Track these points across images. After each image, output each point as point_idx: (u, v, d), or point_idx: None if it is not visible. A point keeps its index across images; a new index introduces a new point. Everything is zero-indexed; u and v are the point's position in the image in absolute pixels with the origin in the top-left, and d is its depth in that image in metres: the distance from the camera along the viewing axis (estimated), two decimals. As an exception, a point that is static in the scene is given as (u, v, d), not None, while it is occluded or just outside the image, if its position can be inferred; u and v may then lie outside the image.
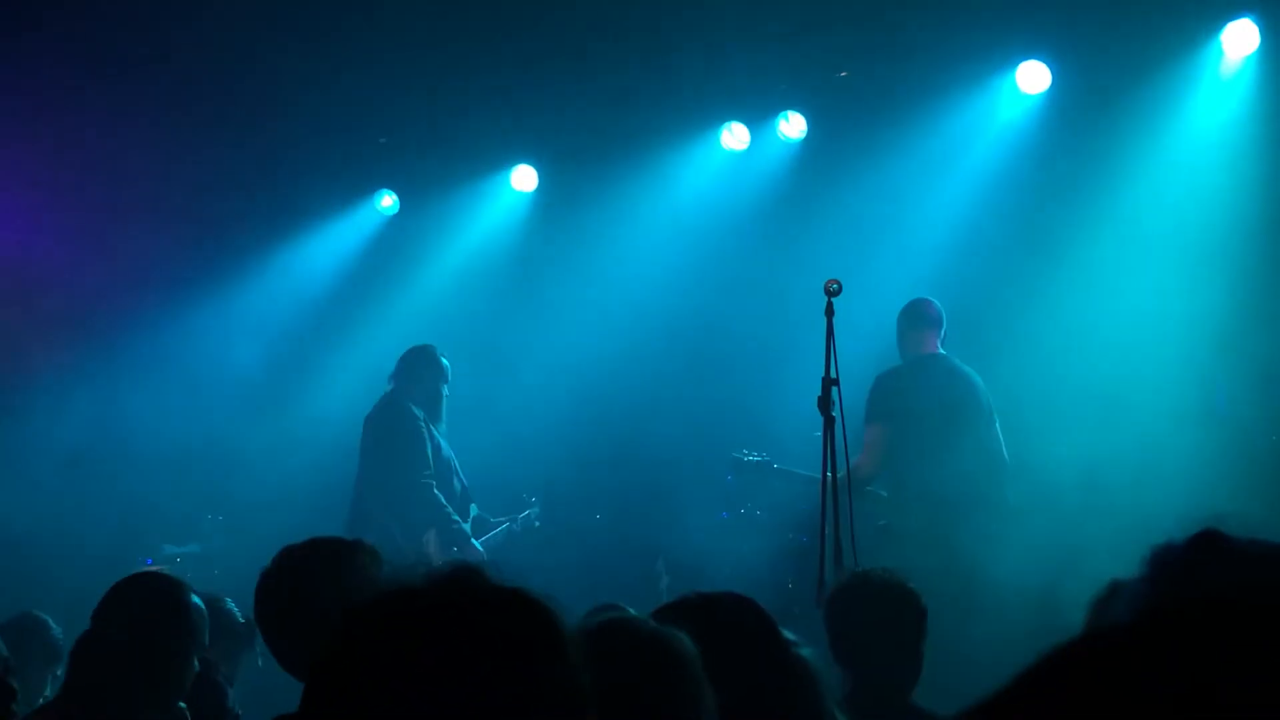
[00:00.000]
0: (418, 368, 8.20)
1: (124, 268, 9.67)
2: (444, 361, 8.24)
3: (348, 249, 10.27)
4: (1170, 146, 7.98)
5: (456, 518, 8.09)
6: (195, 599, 3.98)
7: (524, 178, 9.90)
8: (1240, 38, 7.76)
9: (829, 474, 5.86)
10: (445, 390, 8.24)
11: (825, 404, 5.91)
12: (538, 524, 8.80)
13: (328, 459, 9.01)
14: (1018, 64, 8.33)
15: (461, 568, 1.53)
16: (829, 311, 5.93)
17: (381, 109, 9.23)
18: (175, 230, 9.81)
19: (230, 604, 5.26)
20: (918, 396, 7.19)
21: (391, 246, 10.21)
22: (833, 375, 5.93)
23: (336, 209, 10.17)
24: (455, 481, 8.25)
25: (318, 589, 3.34)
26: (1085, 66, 8.12)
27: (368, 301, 10.11)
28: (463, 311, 9.74)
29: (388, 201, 10.20)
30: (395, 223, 10.26)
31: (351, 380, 9.61)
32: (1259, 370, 7.58)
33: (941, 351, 7.43)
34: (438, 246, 10.14)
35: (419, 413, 8.07)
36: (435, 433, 8.14)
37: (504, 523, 8.64)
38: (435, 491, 8.00)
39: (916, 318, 7.47)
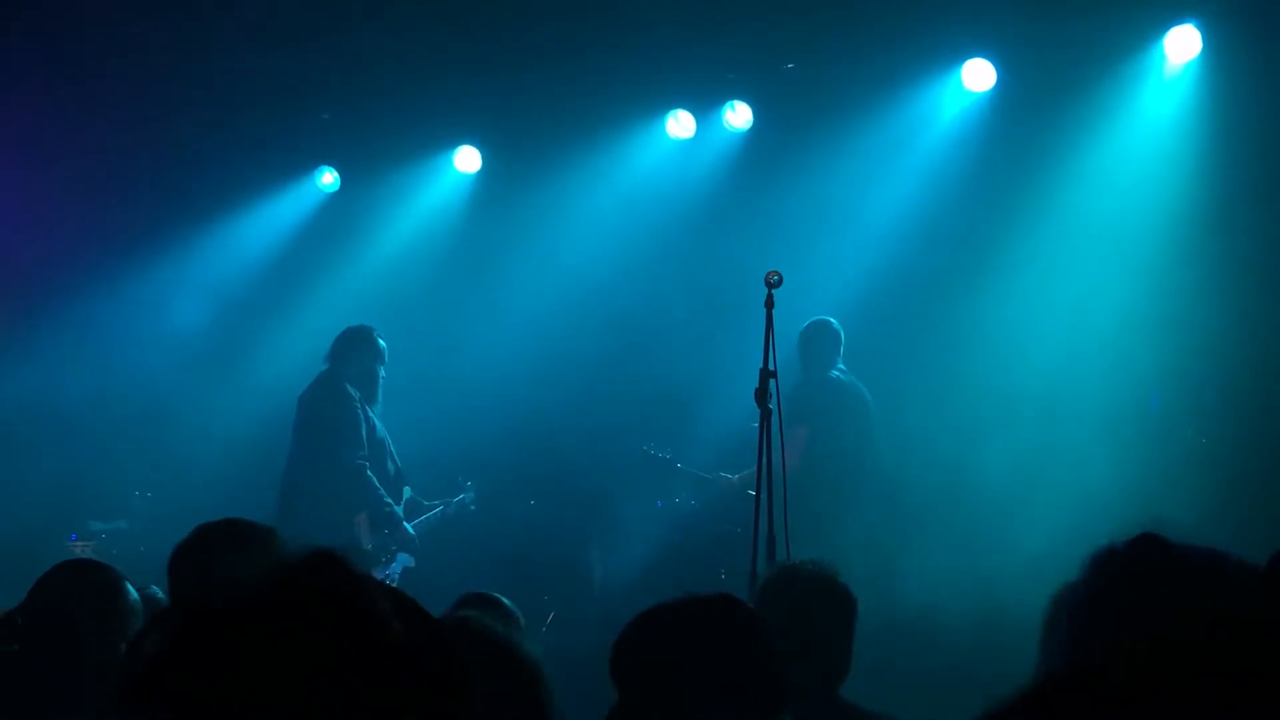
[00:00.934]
0: (354, 348, 8.12)
1: (58, 242, 9.54)
2: (380, 343, 8.17)
3: (287, 225, 10.14)
4: (1112, 148, 8.05)
5: (389, 500, 8.03)
6: (131, 589, 3.89)
7: (468, 159, 9.83)
8: (1183, 43, 7.83)
9: (765, 465, 5.86)
10: (381, 371, 8.17)
11: (762, 396, 5.91)
12: (472, 508, 8.76)
13: (261, 437, 8.92)
14: (964, 61, 8.37)
15: (316, 559, 1.49)
16: (769, 303, 5.93)
17: (325, 85, 9.12)
18: (111, 203, 9.68)
19: (159, 594, 5.16)
20: (833, 405, 7.79)
21: (331, 224, 10.10)
22: (771, 368, 5.92)
23: (277, 184, 10.04)
24: (389, 463, 8.19)
25: (227, 570, 3.29)
26: (1030, 66, 8.17)
27: (306, 279, 10.00)
28: (402, 292, 9.67)
29: (328, 179, 10.09)
30: (336, 200, 10.15)
31: (287, 358, 9.51)
32: (1194, 370, 7.68)
33: (842, 367, 7.98)
34: (378, 225, 10.05)
35: (354, 393, 8.00)
36: (370, 413, 8.07)
37: (438, 506, 8.58)
38: (368, 473, 7.93)
39: (824, 337, 7.93)
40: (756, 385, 5.93)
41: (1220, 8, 7.61)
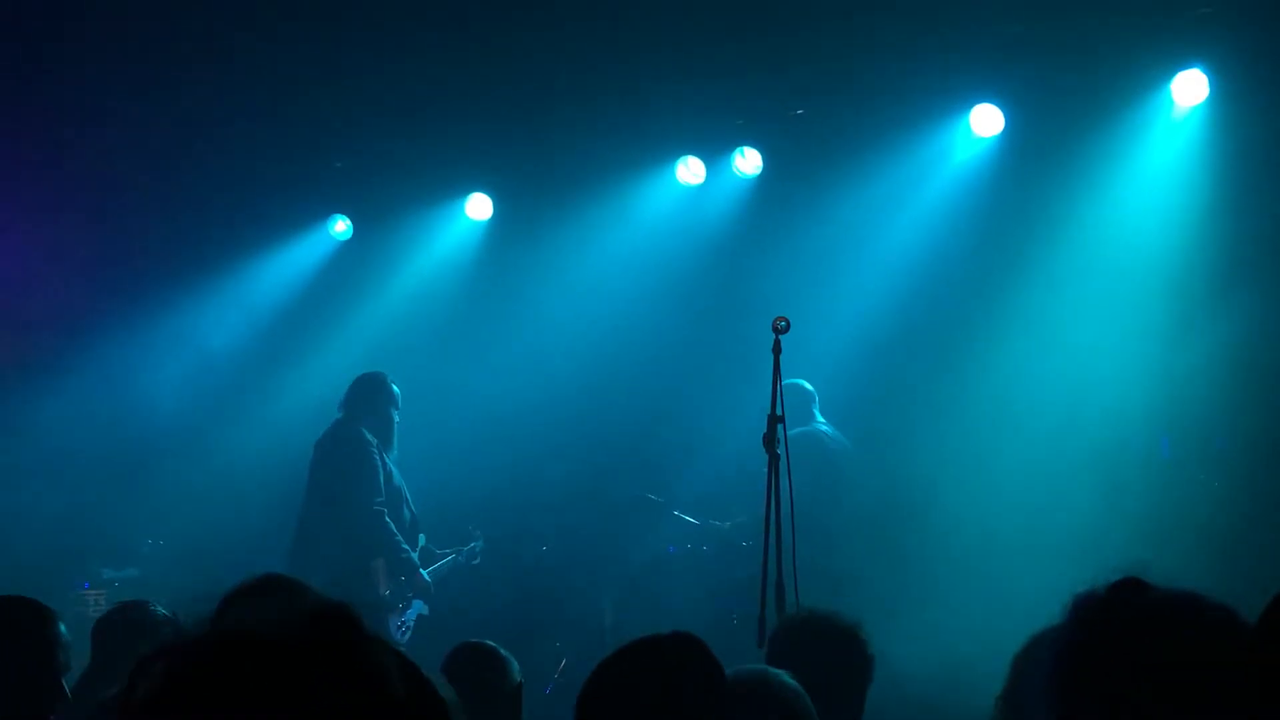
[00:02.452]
0: (370, 394, 8.12)
1: (73, 290, 9.59)
2: (395, 388, 8.18)
3: (300, 272, 10.20)
4: (1120, 192, 8.06)
5: (406, 546, 8.01)
6: (62, 629, 3.92)
7: (479, 206, 9.88)
8: (1190, 87, 7.85)
9: (773, 511, 5.84)
10: (396, 417, 8.17)
11: (770, 441, 5.90)
12: (476, 561, 8.75)
13: (273, 484, 8.93)
14: (971, 107, 8.39)
15: (330, 609, 1.50)
16: (776, 349, 5.93)
17: (337, 133, 9.20)
18: (124, 251, 9.73)
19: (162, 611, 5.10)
20: (820, 456, 7.99)
21: (344, 271, 10.15)
22: (779, 413, 5.92)
23: (290, 232, 10.11)
24: (405, 510, 8.17)
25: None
26: (1038, 111, 8.19)
27: (318, 326, 10.04)
28: (414, 338, 9.70)
29: (341, 226, 10.15)
30: (349, 248, 10.21)
31: (300, 405, 9.53)
32: (1204, 413, 7.66)
33: (821, 418, 8.28)
34: (390, 273, 10.10)
35: (372, 439, 8.00)
36: (388, 460, 8.06)
37: (449, 554, 8.56)
38: (386, 519, 7.92)
39: (797, 396, 8.00)
40: (765, 431, 5.94)
41: (1226, 52, 7.63)
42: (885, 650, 4.04)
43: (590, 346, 9.18)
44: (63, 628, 3.91)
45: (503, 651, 3.97)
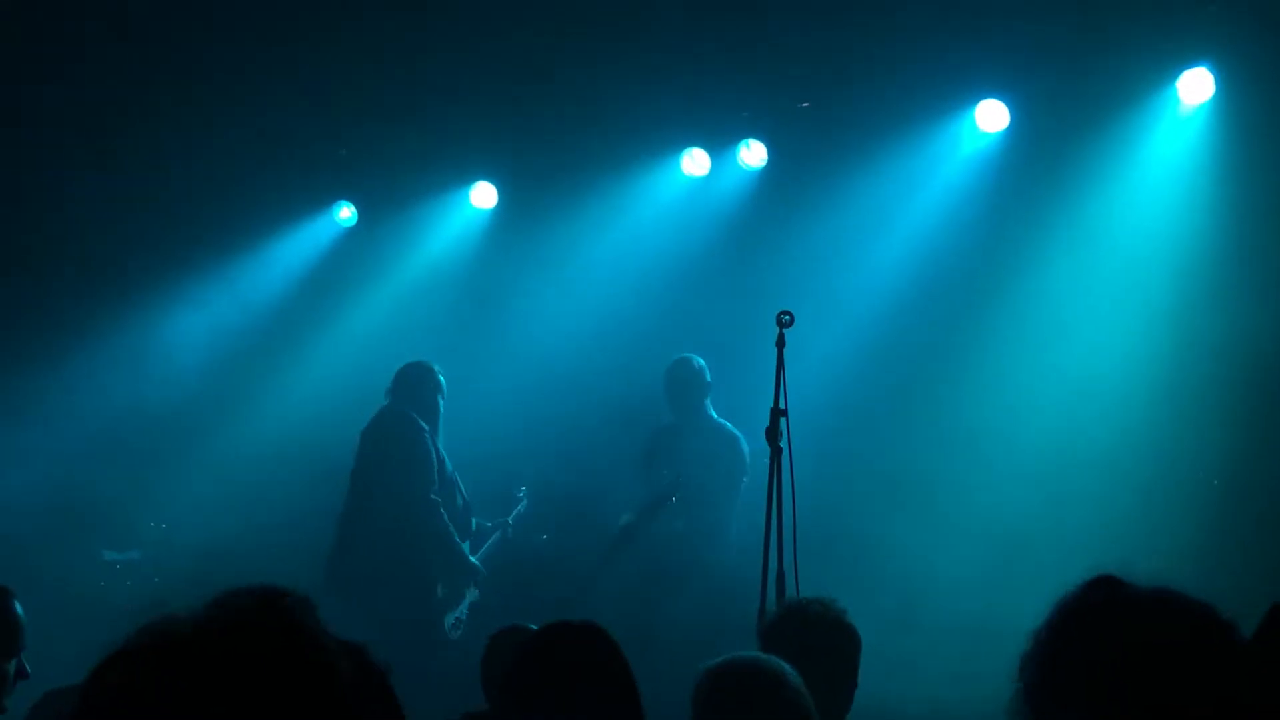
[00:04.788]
0: (416, 383, 8.05)
1: (85, 272, 9.62)
2: (441, 378, 8.14)
3: (304, 260, 10.21)
4: (1125, 190, 8.06)
5: (458, 538, 7.96)
6: (17, 606, 3.94)
7: (484, 195, 9.89)
8: (1196, 86, 7.84)
9: (775, 503, 5.87)
10: (443, 406, 8.12)
11: (773, 435, 5.93)
12: (520, 509, 8.72)
13: (277, 470, 8.95)
14: (977, 102, 8.40)
15: (264, 595, 1.52)
16: (780, 342, 5.95)
17: (342, 121, 9.21)
18: (129, 240, 9.75)
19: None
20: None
21: (349, 259, 10.17)
22: (781, 406, 5.94)
23: (295, 220, 10.12)
24: (458, 497, 8.13)
25: None
26: (1043, 108, 8.19)
27: (323, 313, 10.05)
28: (418, 326, 9.71)
29: (346, 214, 10.16)
30: (353, 235, 10.22)
31: (305, 392, 9.56)
32: (1210, 410, 7.66)
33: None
34: (395, 260, 10.11)
35: (425, 425, 7.94)
36: (439, 447, 8.01)
37: (493, 531, 8.52)
38: (441, 514, 7.85)
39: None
40: (768, 424, 5.96)
41: (1233, 50, 7.63)
42: (884, 649, 4.08)
43: (593, 338, 9.18)
44: (18, 606, 3.93)
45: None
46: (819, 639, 4.14)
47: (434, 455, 7.86)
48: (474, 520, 8.30)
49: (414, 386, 8.02)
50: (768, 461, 5.99)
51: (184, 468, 9.54)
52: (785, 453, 5.91)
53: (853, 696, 4.13)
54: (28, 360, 9.35)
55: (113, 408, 9.42)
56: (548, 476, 9.01)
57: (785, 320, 5.93)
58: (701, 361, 8.22)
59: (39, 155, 9.13)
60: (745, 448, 7.93)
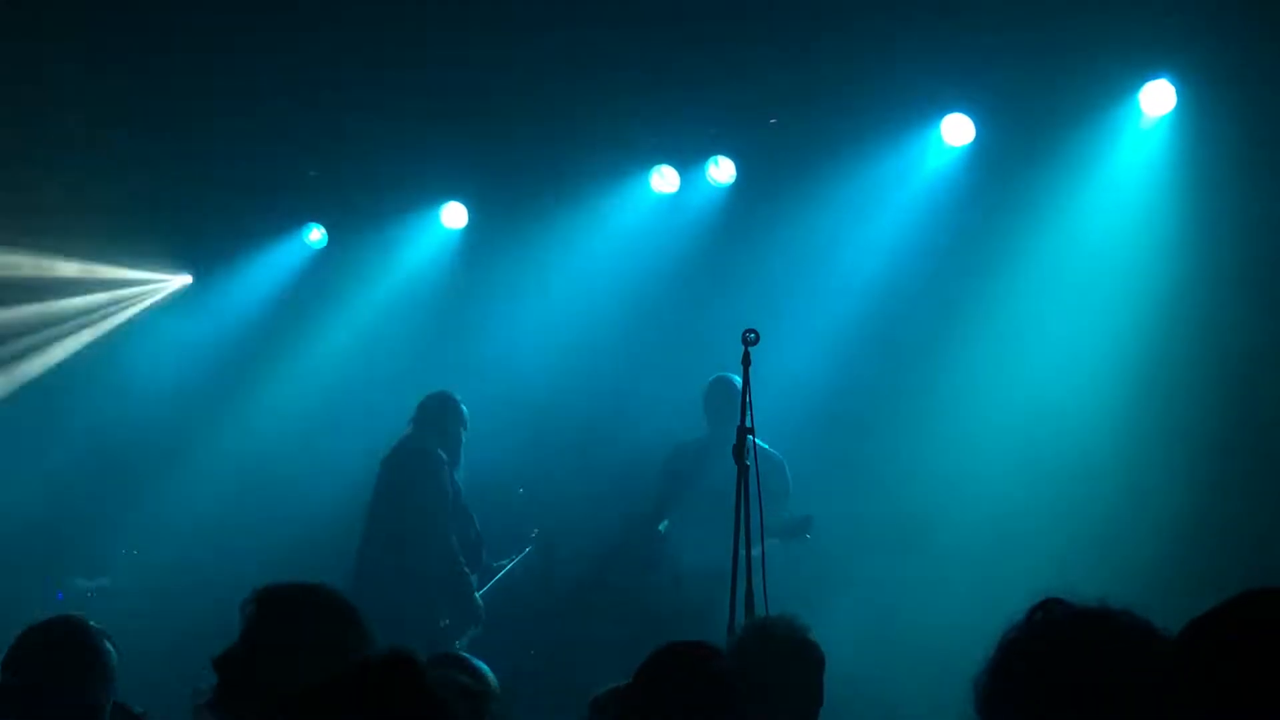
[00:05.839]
0: (438, 414, 8.07)
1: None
2: (464, 409, 8.16)
3: (275, 282, 10.19)
4: (1089, 201, 8.12)
5: (468, 573, 7.96)
6: (109, 646, 3.93)
7: (454, 215, 9.89)
8: (1158, 97, 7.92)
9: (743, 521, 5.87)
10: (464, 437, 8.13)
11: (739, 453, 5.93)
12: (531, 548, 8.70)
13: (247, 495, 8.92)
14: (943, 116, 8.45)
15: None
16: (745, 361, 5.96)
17: (312, 142, 9.19)
18: (103, 256, 9.73)
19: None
20: None
21: (319, 281, 10.15)
22: (748, 424, 5.95)
23: (264, 241, 10.10)
24: (471, 529, 8.13)
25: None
26: (1008, 121, 8.25)
27: (294, 335, 10.04)
28: (388, 348, 9.70)
29: (316, 235, 10.15)
30: (323, 257, 10.21)
31: (276, 415, 9.54)
32: (1175, 420, 7.70)
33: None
34: (366, 281, 10.10)
35: (444, 456, 7.95)
36: (456, 479, 8.02)
37: (504, 565, 8.52)
38: (454, 549, 7.87)
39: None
40: (734, 442, 5.96)
41: (1193, 63, 7.70)
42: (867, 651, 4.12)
43: (564, 355, 9.19)
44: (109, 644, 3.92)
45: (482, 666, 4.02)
46: (783, 658, 4.15)
47: (449, 487, 7.87)
48: (484, 554, 8.28)
49: (439, 416, 8.03)
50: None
51: (157, 493, 9.51)
52: (752, 470, 5.92)
53: (817, 715, 4.14)
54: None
55: (81, 433, 9.39)
56: (514, 498, 9.01)
57: (750, 339, 5.92)
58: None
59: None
60: (789, 474, 7.87)
